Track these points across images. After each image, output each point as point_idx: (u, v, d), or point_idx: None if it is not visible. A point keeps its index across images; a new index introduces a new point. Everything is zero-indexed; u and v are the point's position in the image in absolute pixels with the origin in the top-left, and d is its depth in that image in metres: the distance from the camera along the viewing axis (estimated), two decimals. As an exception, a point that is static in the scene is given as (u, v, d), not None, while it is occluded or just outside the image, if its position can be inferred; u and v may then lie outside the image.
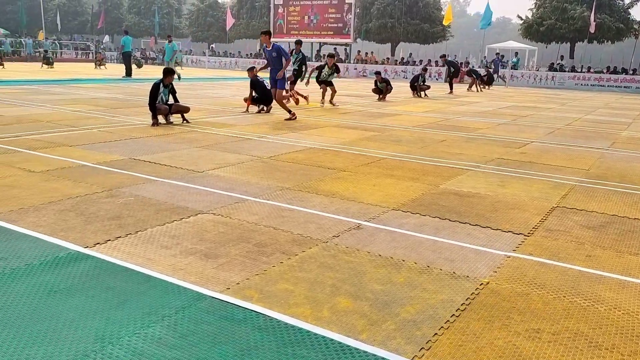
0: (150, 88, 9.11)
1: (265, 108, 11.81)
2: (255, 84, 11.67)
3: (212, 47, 50.19)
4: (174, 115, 9.51)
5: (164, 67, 10.35)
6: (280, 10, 39.64)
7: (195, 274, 3.07)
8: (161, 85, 9.19)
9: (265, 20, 44.10)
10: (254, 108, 11.83)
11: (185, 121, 9.44)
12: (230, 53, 46.53)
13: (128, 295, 2.77)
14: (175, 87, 9.53)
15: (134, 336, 2.38)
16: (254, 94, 11.75)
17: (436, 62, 34.67)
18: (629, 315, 2.78)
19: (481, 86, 24.47)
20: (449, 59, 24.49)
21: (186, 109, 9.63)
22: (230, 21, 41.22)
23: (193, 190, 4.91)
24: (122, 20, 56.97)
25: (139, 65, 30.99)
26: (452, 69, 22.33)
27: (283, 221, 4.11)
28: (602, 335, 2.56)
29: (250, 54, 46.16)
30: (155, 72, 26.56)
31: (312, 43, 39.93)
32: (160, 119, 9.29)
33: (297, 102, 13.69)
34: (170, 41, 21.18)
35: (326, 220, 4.18)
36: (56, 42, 47.72)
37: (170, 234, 3.72)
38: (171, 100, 9.38)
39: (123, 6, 58.93)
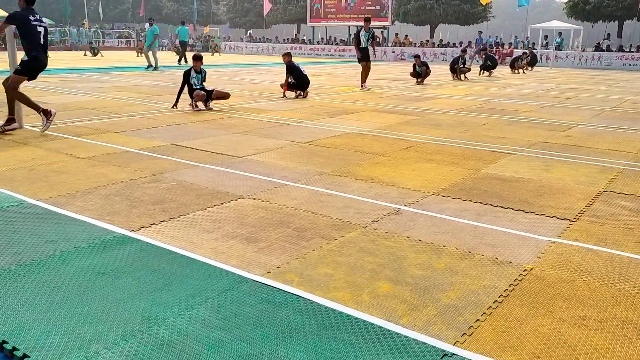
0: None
1: (302, 93, 11.82)
2: (292, 68, 11.67)
3: (249, 33, 50.42)
4: (215, 101, 9.63)
5: (193, 53, 10.47)
6: (317, -6, 39.40)
7: (236, 258, 3.12)
8: (192, 71, 9.32)
9: (302, 5, 43.98)
10: (291, 94, 11.86)
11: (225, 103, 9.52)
12: (267, 39, 46.64)
13: (172, 278, 2.84)
14: (206, 73, 9.63)
15: (179, 317, 2.44)
16: (290, 79, 11.76)
17: (475, 43, 33.84)
18: (681, 304, 2.68)
19: (525, 68, 23.76)
20: (488, 52, 22.53)
21: (227, 95, 9.73)
22: (267, 6, 41.29)
23: (233, 176, 4.97)
24: (162, 7, 57.85)
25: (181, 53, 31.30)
26: (488, 62, 20.81)
27: (322, 206, 4.12)
28: (652, 324, 2.47)
29: (288, 39, 46.16)
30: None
31: (349, 27, 39.59)
32: (201, 105, 9.43)
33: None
34: (151, 24, 19.83)
35: (365, 205, 4.17)
36: (99, 30, 48.86)
37: (211, 218, 3.78)
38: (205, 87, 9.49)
39: (161, -6, 59.85)
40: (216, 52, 37.31)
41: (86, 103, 9.99)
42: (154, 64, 19.71)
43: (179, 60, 23.67)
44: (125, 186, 4.54)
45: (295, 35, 48.34)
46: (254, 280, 2.83)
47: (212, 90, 9.52)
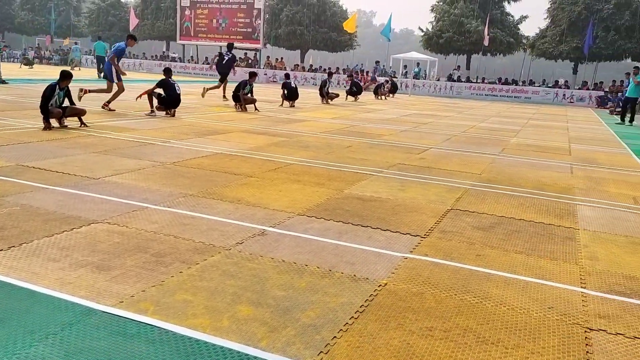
0: (44, 89, 8.52)
1: (171, 112, 11.48)
2: (167, 84, 11.33)
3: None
4: (69, 118, 8.95)
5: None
6: (187, 12, 38.73)
7: (85, 288, 2.89)
8: (57, 87, 8.62)
9: (171, 22, 42.90)
10: (158, 112, 11.45)
11: (83, 125, 8.92)
12: (134, 54, 44.69)
13: (8, 313, 2.55)
14: (70, 91, 8.97)
15: (14, 357, 2.19)
16: (161, 91, 11.37)
17: (343, 69, 35.53)
18: (513, 310, 2.99)
19: (387, 95, 25.38)
20: (355, 79, 24.05)
21: (82, 112, 9.09)
22: (134, 21, 39.59)
23: (87, 198, 4.63)
24: (14, 16, 52.85)
25: (30, 65, 29.01)
26: (353, 88, 21.93)
27: (184, 229, 3.99)
28: (489, 331, 2.73)
29: (156, 55, 44.63)
30: (48, 73, 24.92)
31: (220, 47, 39.40)
32: (54, 122, 8.70)
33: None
34: None
35: (230, 227, 4.11)
36: None
37: (59, 246, 3.48)
38: (66, 103, 8.83)
39: (15, 1, 54.65)
40: (75, 66, 34.91)
41: None
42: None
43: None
44: (-45, 212, 4.02)
45: (163, 52, 46.94)
46: (104, 312, 2.64)
47: (67, 107, 8.85)
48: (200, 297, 2.87)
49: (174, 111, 11.57)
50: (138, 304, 2.74)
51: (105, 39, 49.61)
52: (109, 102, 11.72)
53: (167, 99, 11.41)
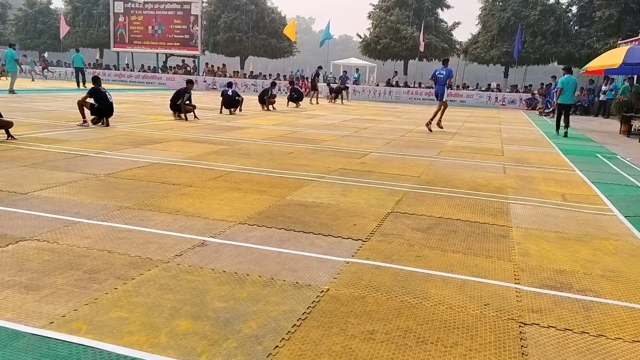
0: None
1: (104, 121, 11.11)
2: (97, 93, 10.96)
3: (43, 55, 45.81)
4: (-7, 131, 8.47)
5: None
6: (121, 19, 37.54)
7: (12, 310, 2.73)
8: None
9: (104, 29, 41.48)
10: (88, 117, 11.03)
11: (10, 137, 8.46)
12: (65, 63, 42.89)
13: None
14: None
15: None
16: (92, 101, 10.98)
17: (284, 76, 35.56)
18: (451, 309, 3.06)
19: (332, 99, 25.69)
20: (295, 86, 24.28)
21: (9, 124, 8.63)
22: (64, 29, 38.11)
23: (14, 215, 4.39)
24: None
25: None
26: (294, 94, 22.06)
27: (120, 243, 3.84)
28: (428, 330, 2.78)
29: (89, 63, 43.01)
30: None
31: (157, 54, 38.50)
32: (-23, 135, 8.21)
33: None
34: None
35: (168, 239, 4.01)
36: None
37: (-18, 267, 3.27)
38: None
39: None
40: (2, 75, 33.15)
41: None
42: None
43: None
44: None
45: (97, 60, 45.33)
46: (33, 334, 2.49)
47: (-8, 119, 8.38)
48: (137, 313, 2.77)
49: (108, 120, 11.19)
50: (70, 323, 2.61)
51: (34, 47, 47.56)
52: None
53: (99, 107, 11.04)
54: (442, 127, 14.28)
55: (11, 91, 19.57)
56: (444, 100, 14.16)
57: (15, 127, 8.91)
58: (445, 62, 15.02)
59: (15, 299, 2.86)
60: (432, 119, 14.26)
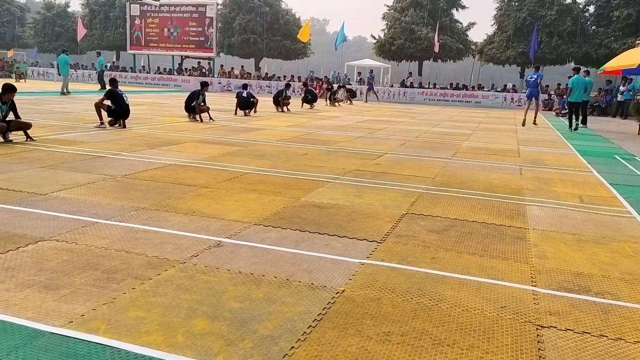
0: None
1: (121, 122, 11.23)
2: (114, 95, 11.08)
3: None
4: (14, 132, 8.61)
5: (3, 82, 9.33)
6: (137, 21, 37.94)
7: (32, 309, 2.77)
8: (-1, 101, 8.31)
9: (121, 32, 41.97)
10: (105, 117, 11.18)
11: (29, 139, 8.59)
12: (83, 65, 43.44)
13: (-54, 341, 2.42)
14: (15, 105, 8.66)
15: (-47, 388, 2.08)
16: (109, 103, 11.13)
17: (299, 77, 35.62)
18: (467, 311, 3.05)
19: (345, 101, 25.64)
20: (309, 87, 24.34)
21: (28, 125, 8.77)
22: (82, 32, 38.59)
23: (34, 215, 4.46)
24: (-49, 26, 50.48)
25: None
26: (308, 96, 22.13)
27: (137, 244, 3.89)
28: (444, 333, 2.77)
29: (106, 66, 43.50)
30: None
31: (173, 56, 38.82)
32: (-3, 137, 8.36)
33: None
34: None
35: (185, 240, 4.04)
36: None
37: (3, 266, 3.32)
38: (11, 117, 8.50)
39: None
40: (21, 78, 33.70)
41: None
42: None
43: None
44: None
45: (113, 62, 45.85)
46: (52, 333, 2.53)
47: (11, 121, 8.51)
48: (154, 313, 2.80)
49: (124, 122, 11.32)
50: (88, 323, 2.65)
51: (52, 49, 48.24)
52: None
53: (116, 109, 11.17)
54: (536, 124, 16.79)
55: (63, 92, 21.39)
56: (538, 99, 17.17)
57: (34, 128, 9.06)
58: (537, 69, 17.56)
59: (35, 299, 2.90)
60: (535, 118, 17.17)
